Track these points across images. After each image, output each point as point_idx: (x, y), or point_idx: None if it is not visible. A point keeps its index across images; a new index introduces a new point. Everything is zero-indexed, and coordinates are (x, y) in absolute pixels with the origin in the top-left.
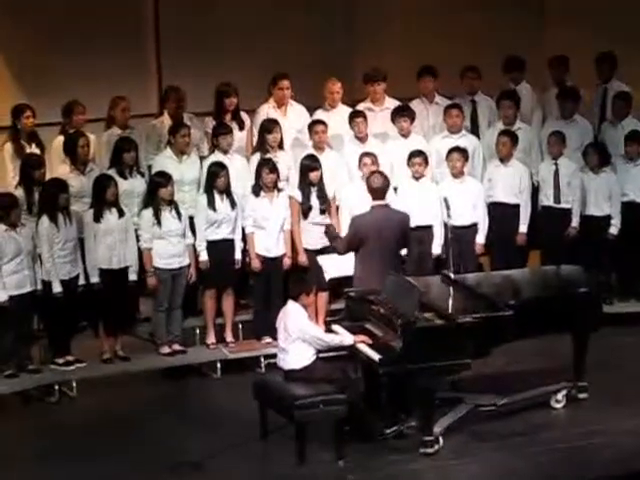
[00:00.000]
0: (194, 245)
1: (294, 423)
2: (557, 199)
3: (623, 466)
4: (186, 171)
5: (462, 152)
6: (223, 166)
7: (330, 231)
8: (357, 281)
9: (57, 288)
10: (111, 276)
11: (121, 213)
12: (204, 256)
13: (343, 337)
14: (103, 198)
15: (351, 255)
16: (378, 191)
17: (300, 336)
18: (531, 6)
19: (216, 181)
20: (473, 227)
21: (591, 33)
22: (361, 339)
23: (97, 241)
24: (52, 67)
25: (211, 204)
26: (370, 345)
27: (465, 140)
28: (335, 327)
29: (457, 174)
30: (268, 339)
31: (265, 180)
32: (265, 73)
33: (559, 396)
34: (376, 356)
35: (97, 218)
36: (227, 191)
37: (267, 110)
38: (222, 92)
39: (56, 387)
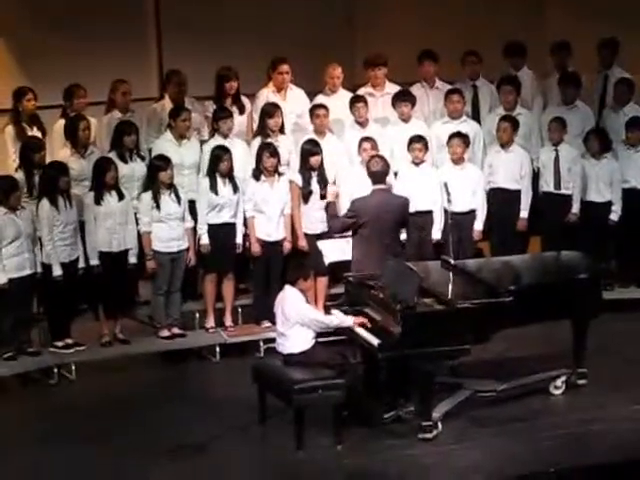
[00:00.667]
0: (194, 228)
1: (293, 407)
2: (557, 185)
3: (622, 452)
4: (186, 155)
5: (463, 138)
6: (227, 150)
7: (330, 208)
8: (355, 264)
9: (57, 271)
10: (111, 259)
11: (121, 196)
12: (205, 239)
13: (343, 318)
14: (103, 181)
15: (350, 240)
16: (378, 175)
17: (299, 320)
18: None
19: (219, 165)
20: (472, 213)
21: (592, 18)
22: (360, 320)
23: (97, 224)
24: (54, 50)
25: (213, 188)
26: (369, 330)
27: (466, 125)
28: (334, 311)
29: (457, 160)
30: (267, 323)
31: (266, 164)
32: (266, 57)
33: (558, 382)
34: (375, 341)
35: (97, 201)
36: (230, 175)
37: (267, 94)
38: (223, 76)
39: (55, 370)
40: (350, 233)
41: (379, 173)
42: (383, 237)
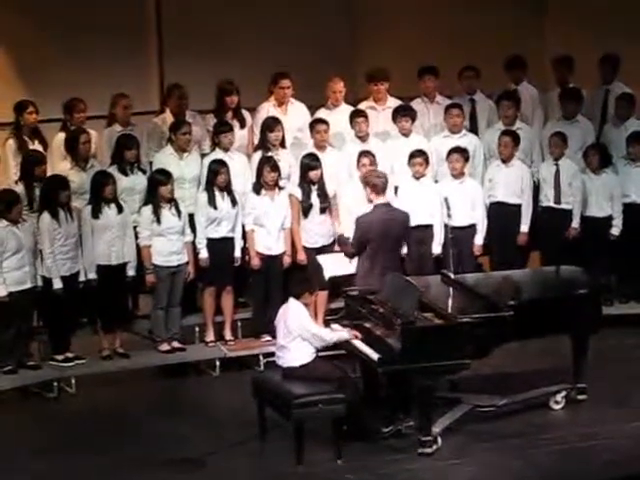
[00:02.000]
0: (193, 243)
1: (292, 422)
2: (557, 200)
3: (621, 468)
4: (187, 168)
5: (462, 152)
6: (224, 163)
7: (341, 239)
8: (360, 280)
9: (57, 284)
10: (109, 272)
11: (120, 209)
12: (204, 253)
13: (341, 333)
14: (101, 195)
15: (351, 258)
16: (378, 186)
17: (301, 334)
18: (532, 6)
19: (216, 179)
20: (471, 228)
21: (593, 33)
22: (354, 333)
23: (95, 237)
24: (55, 64)
25: (211, 202)
26: (369, 344)
27: (466, 140)
28: (334, 326)
29: (457, 175)
30: (267, 337)
31: (266, 178)
32: (267, 71)
33: (558, 397)
34: (375, 355)
35: (95, 214)
36: (228, 189)
37: (268, 108)
38: (223, 90)
39: (55, 383)
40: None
41: (379, 185)
42: (387, 252)
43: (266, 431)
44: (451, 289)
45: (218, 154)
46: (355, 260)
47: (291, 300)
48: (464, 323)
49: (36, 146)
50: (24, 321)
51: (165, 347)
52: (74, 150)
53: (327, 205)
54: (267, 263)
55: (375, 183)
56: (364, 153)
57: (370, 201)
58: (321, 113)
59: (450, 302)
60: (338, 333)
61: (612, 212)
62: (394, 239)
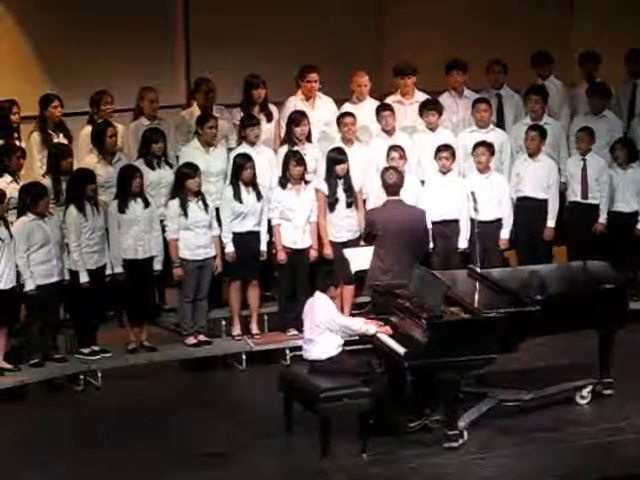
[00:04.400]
0: (220, 236)
1: (319, 415)
2: (585, 195)
3: None
4: (213, 162)
5: (488, 147)
6: (249, 158)
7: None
8: (370, 272)
9: (84, 278)
10: (136, 266)
11: (147, 203)
12: (230, 248)
13: (367, 327)
14: (128, 189)
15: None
16: (393, 187)
17: (329, 326)
18: (559, 1)
19: (242, 173)
20: (498, 222)
21: (620, 28)
22: (384, 329)
23: (122, 232)
24: (80, 57)
25: (237, 196)
26: (395, 338)
27: (493, 135)
28: (359, 319)
29: (483, 169)
30: (293, 331)
31: (292, 172)
32: (294, 65)
33: (584, 392)
34: (401, 350)
35: (122, 209)
36: (253, 183)
37: (295, 102)
38: (250, 84)
39: (81, 377)
40: None
41: (394, 185)
42: (396, 249)
43: (292, 425)
44: (477, 284)
45: (245, 148)
46: None
47: (317, 294)
48: (490, 318)
49: (61, 139)
50: (51, 314)
51: (191, 340)
52: (100, 143)
53: (353, 199)
54: (293, 257)
55: (387, 183)
56: (394, 147)
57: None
58: (346, 107)
59: (476, 297)
60: (366, 325)
61: (639, 207)
62: (404, 236)
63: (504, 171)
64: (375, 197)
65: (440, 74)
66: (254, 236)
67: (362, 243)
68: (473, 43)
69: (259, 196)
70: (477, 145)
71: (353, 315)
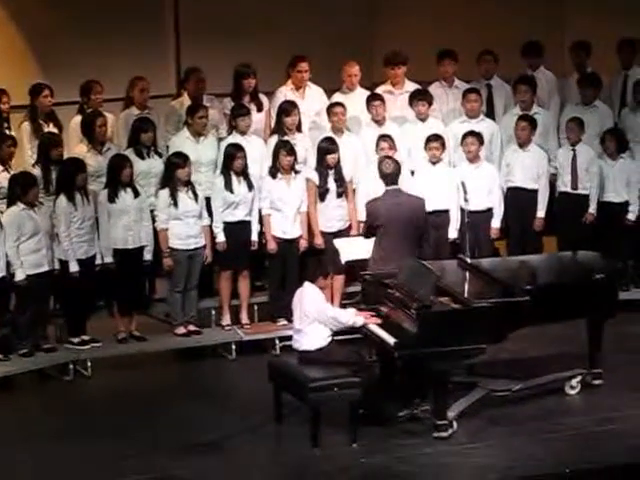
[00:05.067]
0: (210, 226)
1: (308, 405)
2: (574, 185)
3: (638, 453)
4: (203, 152)
5: (477, 136)
6: (240, 148)
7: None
8: (372, 262)
9: (74, 267)
10: (126, 256)
11: (136, 193)
12: (221, 237)
13: (356, 318)
14: (118, 178)
15: (365, 239)
16: (390, 176)
17: (317, 317)
18: None
19: (233, 163)
20: (488, 212)
21: (611, 18)
22: (372, 320)
23: (112, 221)
24: (71, 47)
25: (228, 186)
26: (385, 328)
27: (483, 125)
28: (350, 310)
29: (472, 158)
30: (283, 321)
31: (282, 162)
32: (284, 55)
33: (574, 382)
34: (391, 340)
35: (112, 198)
36: (244, 173)
37: (285, 92)
38: (241, 73)
39: (71, 366)
40: None
41: (391, 175)
42: (395, 238)
43: (282, 415)
44: (467, 274)
45: (235, 138)
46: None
47: (306, 284)
48: (480, 308)
49: (51, 129)
50: (40, 304)
51: (181, 330)
52: (90, 133)
53: (344, 189)
54: (283, 247)
55: (385, 172)
56: (383, 137)
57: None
58: (336, 97)
59: (466, 287)
60: (355, 316)
61: (629, 197)
62: (405, 225)
63: (494, 161)
64: (365, 187)
65: (431, 64)
66: (245, 226)
67: (362, 237)
68: (464, 33)
69: (250, 186)
70: (466, 135)
71: (343, 305)
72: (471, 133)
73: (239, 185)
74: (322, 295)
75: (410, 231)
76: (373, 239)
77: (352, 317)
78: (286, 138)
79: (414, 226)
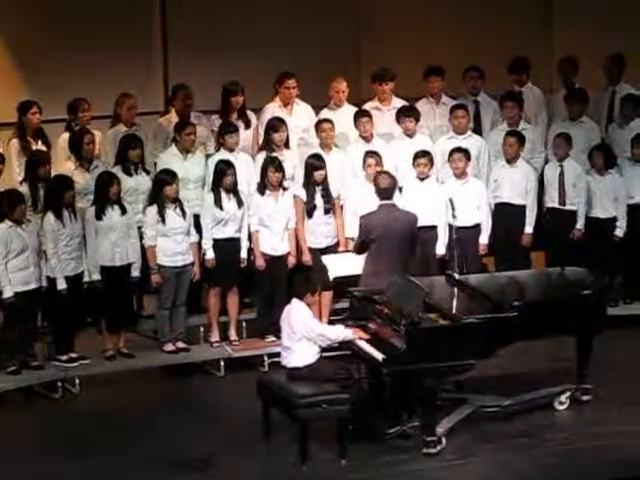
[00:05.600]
0: (199, 243)
1: (297, 422)
2: (562, 201)
3: (626, 469)
4: (191, 169)
5: (464, 152)
6: (231, 164)
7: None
8: (365, 278)
9: (62, 285)
10: (113, 273)
11: (124, 210)
12: (210, 254)
13: (346, 332)
14: (105, 196)
15: (355, 255)
16: (386, 191)
17: (305, 334)
18: (538, 7)
19: (223, 180)
20: (476, 228)
21: (599, 34)
22: (360, 334)
23: (99, 238)
24: (59, 64)
25: (218, 202)
26: (374, 345)
27: (471, 141)
28: (338, 326)
29: (460, 174)
30: (272, 338)
31: (271, 179)
32: (271, 72)
33: (562, 398)
34: (380, 356)
35: (99, 216)
36: (234, 190)
37: (273, 109)
38: (229, 90)
39: (59, 384)
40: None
41: (388, 189)
42: (390, 253)
43: (271, 431)
44: (456, 290)
45: (222, 154)
46: (361, 260)
47: (294, 301)
48: (469, 324)
49: (39, 146)
50: (28, 321)
51: (170, 347)
52: (78, 150)
53: (331, 206)
54: (272, 264)
55: (382, 187)
56: (370, 153)
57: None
58: (324, 113)
59: (455, 303)
60: (343, 332)
61: (616, 213)
62: (399, 240)
63: (482, 177)
64: (352, 203)
65: (419, 81)
66: (234, 243)
67: (354, 252)
68: (451, 49)
69: (240, 203)
70: (453, 151)
71: (332, 322)
72: (458, 149)
73: (229, 202)
74: (310, 312)
75: (404, 246)
76: (363, 255)
77: (341, 333)
78: (274, 154)
79: (408, 241)
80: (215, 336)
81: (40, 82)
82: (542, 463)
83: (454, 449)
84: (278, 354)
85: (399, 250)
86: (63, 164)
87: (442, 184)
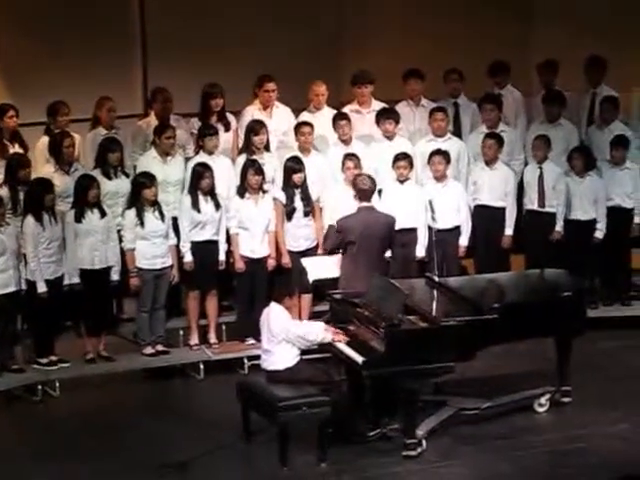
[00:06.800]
0: (177, 246)
1: (277, 425)
2: (542, 203)
3: (606, 471)
4: (171, 172)
5: (444, 155)
6: (208, 167)
7: (329, 230)
8: (343, 282)
9: (42, 288)
10: (93, 276)
11: (103, 213)
12: (188, 257)
13: (325, 334)
14: (85, 199)
15: (334, 257)
16: (365, 193)
17: (284, 337)
18: (518, 9)
19: (200, 182)
20: (456, 230)
21: (579, 37)
22: (340, 338)
23: (78, 242)
24: (38, 67)
25: (195, 205)
26: (354, 347)
27: (450, 143)
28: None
29: (439, 177)
30: (251, 340)
31: (250, 182)
32: (251, 75)
33: (542, 400)
34: (359, 358)
35: (78, 219)
36: (211, 192)
37: (252, 112)
38: (208, 93)
39: (39, 387)
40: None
41: (367, 191)
42: (370, 255)
43: (251, 434)
44: (435, 292)
45: (202, 157)
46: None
47: (272, 304)
48: (448, 326)
49: (16, 149)
50: (8, 324)
51: (149, 350)
52: (58, 153)
53: (310, 208)
54: (251, 266)
55: (361, 188)
56: (349, 156)
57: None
58: (304, 116)
59: (434, 305)
60: (322, 334)
61: (596, 215)
62: (377, 242)
63: (461, 180)
64: (331, 206)
65: (398, 84)
66: (213, 245)
67: (327, 250)
68: (431, 52)
69: (217, 205)
70: (433, 154)
71: None
72: (438, 152)
73: (206, 204)
74: (288, 314)
75: (381, 249)
76: (339, 257)
77: (320, 334)
78: (254, 157)
79: (387, 243)
80: (195, 339)
81: (18, 85)
82: (522, 465)
83: (434, 451)
84: (258, 357)
85: (376, 252)
86: (43, 167)
87: (422, 186)
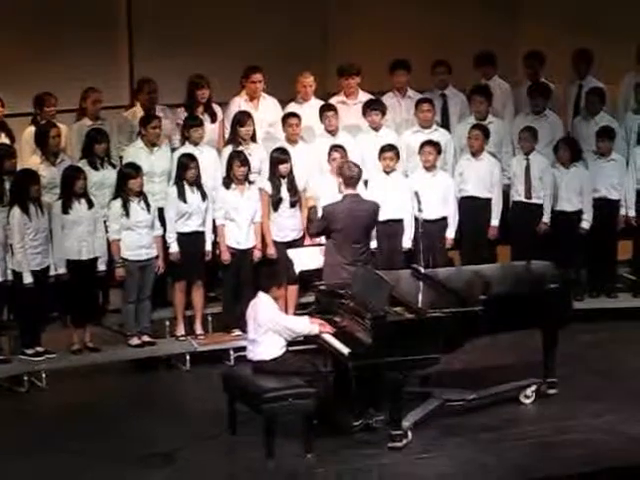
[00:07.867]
0: (163, 237)
1: (263, 416)
2: (528, 194)
3: (591, 462)
4: (157, 162)
5: (435, 145)
6: (193, 158)
7: (310, 213)
8: (327, 269)
9: (28, 279)
10: (80, 267)
11: (90, 204)
12: (174, 248)
13: (312, 326)
14: (71, 190)
15: (321, 248)
16: (352, 179)
17: (271, 327)
18: (506, 2)
19: (186, 173)
20: (443, 221)
21: (565, 29)
22: (327, 329)
23: (65, 232)
24: (23, 58)
25: (181, 196)
26: (339, 338)
27: (436, 134)
28: (303, 318)
29: (429, 167)
30: (237, 332)
31: (236, 173)
32: (238, 66)
33: (528, 392)
34: (345, 350)
35: (65, 210)
36: (197, 183)
37: (239, 103)
38: (194, 84)
39: (25, 378)
40: (323, 240)
41: (353, 177)
42: (354, 243)
43: (236, 425)
44: (421, 283)
45: (188, 148)
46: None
47: (260, 294)
48: (434, 318)
49: (2, 139)
50: None
51: (135, 341)
52: (44, 144)
53: (297, 199)
54: (237, 257)
55: (348, 175)
56: (335, 147)
57: (341, 192)
58: (291, 107)
59: (420, 296)
60: (309, 327)
61: (582, 206)
62: (362, 230)
63: (447, 171)
64: (318, 197)
65: (385, 75)
66: (198, 236)
67: (313, 239)
68: (418, 44)
69: (204, 196)
70: (424, 144)
71: (297, 315)
72: (429, 142)
73: (192, 195)
74: (276, 305)
75: (365, 236)
76: (322, 249)
77: (307, 326)
78: (240, 148)
79: (369, 231)
80: (181, 330)
81: (3, 76)
82: (508, 457)
83: (420, 443)
84: (244, 348)
85: (360, 240)
86: (29, 158)
87: (407, 177)
